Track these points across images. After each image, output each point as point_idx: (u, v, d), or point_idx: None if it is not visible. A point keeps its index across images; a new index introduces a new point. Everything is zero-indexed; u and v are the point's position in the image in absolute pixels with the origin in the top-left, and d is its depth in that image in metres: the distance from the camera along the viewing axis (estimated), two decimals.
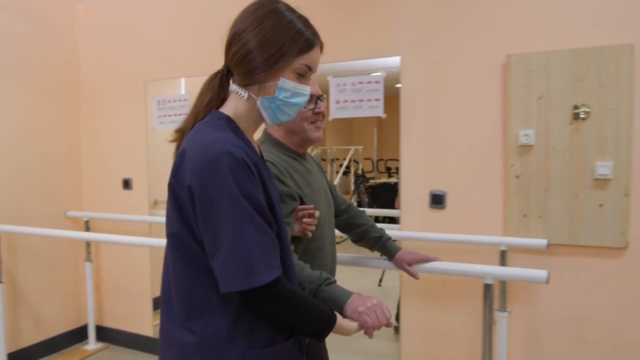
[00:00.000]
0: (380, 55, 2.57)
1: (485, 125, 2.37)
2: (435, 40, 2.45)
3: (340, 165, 6.50)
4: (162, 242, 3.03)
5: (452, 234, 2.42)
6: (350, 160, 6.58)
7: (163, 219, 3.61)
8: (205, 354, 0.98)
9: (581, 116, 2.18)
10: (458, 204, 2.44)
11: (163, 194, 3.83)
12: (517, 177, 2.30)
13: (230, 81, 1.08)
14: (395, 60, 2.54)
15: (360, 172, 6.32)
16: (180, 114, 3.21)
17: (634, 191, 2.13)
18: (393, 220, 2.72)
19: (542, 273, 1.66)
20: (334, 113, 2.69)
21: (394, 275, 2.62)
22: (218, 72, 1.09)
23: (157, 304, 3.54)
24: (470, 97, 2.39)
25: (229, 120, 1.03)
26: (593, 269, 2.22)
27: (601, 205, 2.17)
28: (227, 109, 1.07)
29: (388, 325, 1.15)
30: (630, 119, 2.11)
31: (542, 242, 2.20)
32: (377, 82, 2.57)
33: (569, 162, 2.21)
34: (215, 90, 1.07)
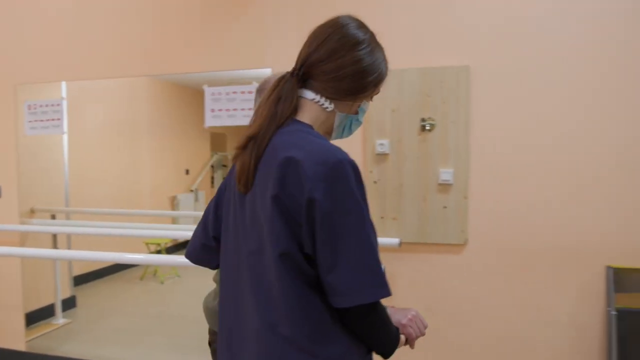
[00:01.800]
0: (251, 67, 2.69)
1: None
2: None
3: None
4: (36, 251, 2.93)
5: None
6: None
7: (39, 228, 3.42)
8: None
9: (427, 128, 2.44)
10: None
11: (42, 202, 3.64)
12: (375, 182, 2.52)
13: (305, 88, 1.03)
14: (268, 72, 2.68)
15: None
16: (54, 119, 3.11)
17: (471, 194, 2.43)
18: None
19: None
20: (209, 121, 2.76)
21: None
22: (286, 77, 1.03)
23: (30, 318, 3.38)
24: None
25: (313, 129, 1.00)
26: (439, 264, 2.49)
27: (445, 207, 2.44)
28: (306, 117, 1.02)
29: (423, 334, 1.14)
30: (467, 130, 2.40)
31: (395, 240, 2.43)
32: (250, 92, 2.68)
33: (418, 168, 2.46)
34: (295, 96, 1.01)
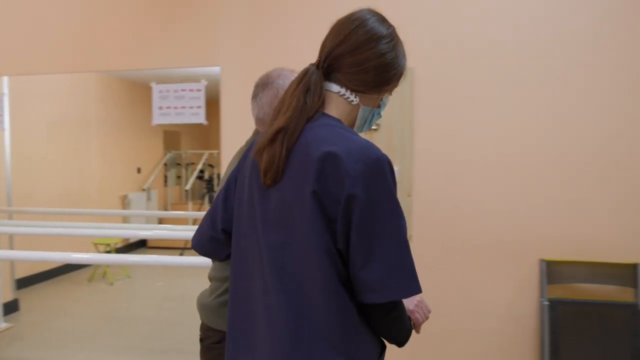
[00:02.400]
0: (201, 64, 2.69)
1: None
2: (253, 54, 2.64)
3: (197, 170, 6.51)
4: None
5: None
6: (204, 165, 6.62)
7: None
8: None
9: (373, 127, 2.51)
10: None
11: None
12: None
13: (329, 81, 1.01)
14: (217, 70, 2.68)
15: (214, 176, 6.39)
16: None
17: (415, 192, 2.52)
18: None
19: None
20: (157, 119, 2.74)
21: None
22: (311, 69, 1.00)
23: None
24: None
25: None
26: None
27: None
28: (333, 111, 1.01)
29: (427, 318, 1.15)
30: (411, 130, 2.48)
31: None
32: (198, 90, 2.67)
33: None
34: (322, 89, 0.99)
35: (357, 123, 1.05)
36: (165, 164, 6.08)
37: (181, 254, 5.13)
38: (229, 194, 1.12)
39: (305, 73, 1.00)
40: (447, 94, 2.48)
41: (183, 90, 2.69)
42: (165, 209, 6.21)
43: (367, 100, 1.03)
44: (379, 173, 0.89)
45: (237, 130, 2.66)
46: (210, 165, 6.43)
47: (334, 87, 1.01)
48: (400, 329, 0.98)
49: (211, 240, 1.14)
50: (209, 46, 2.68)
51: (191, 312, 3.50)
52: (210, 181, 4.92)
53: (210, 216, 1.15)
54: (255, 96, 1.41)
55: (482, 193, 2.47)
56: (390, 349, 2.55)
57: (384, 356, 1.02)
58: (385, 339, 1.00)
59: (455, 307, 2.53)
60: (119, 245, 5.06)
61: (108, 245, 4.81)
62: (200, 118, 2.69)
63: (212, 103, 2.75)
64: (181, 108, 2.69)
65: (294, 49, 2.59)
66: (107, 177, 5.36)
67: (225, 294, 1.33)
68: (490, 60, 2.44)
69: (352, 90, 1.01)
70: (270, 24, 2.61)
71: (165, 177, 6.06)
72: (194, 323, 3.17)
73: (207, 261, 2.25)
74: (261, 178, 0.98)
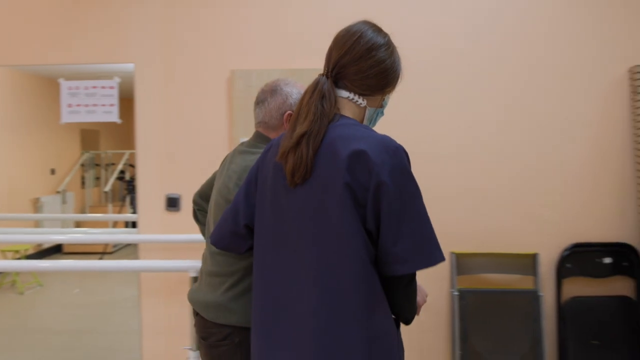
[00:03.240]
0: (114, 60, 2.59)
1: (214, 132, 2.58)
2: (169, 51, 2.58)
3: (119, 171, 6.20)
4: None
5: (187, 234, 2.57)
6: (125, 165, 6.32)
7: None
8: (389, 335, 1.04)
9: None
10: (192, 205, 2.59)
11: None
12: None
13: (338, 88, 1.15)
14: (131, 67, 2.59)
15: (134, 177, 6.12)
16: None
17: None
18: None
19: None
20: (66, 117, 2.61)
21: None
22: (322, 79, 1.13)
23: None
24: (201, 106, 2.58)
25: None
26: None
27: None
28: (347, 113, 1.15)
29: (425, 302, 1.26)
30: None
31: None
32: (111, 87, 2.58)
33: None
34: (335, 95, 1.13)
35: (365, 122, 1.19)
36: (83, 165, 5.78)
37: (101, 259, 4.91)
38: (249, 191, 1.23)
39: (317, 83, 1.13)
40: None
41: (94, 87, 2.58)
42: (83, 212, 5.91)
43: (372, 101, 1.18)
44: (399, 160, 1.04)
45: (154, 129, 2.59)
46: (132, 166, 6.18)
47: (344, 93, 1.15)
48: (413, 304, 1.11)
49: (232, 235, 1.25)
50: (122, 42, 2.59)
51: (109, 319, 3.39)
52: (131, 182, 4.75)
53: (231, 212, 1.25)
54: (262, 101, 1.49)
55: None
56: None
57: (400, 335, 1.14)
58: (399, 314, 1.11)
59: None
60: (31, 252, 4.76)
61: (17, 252, 4.51)
62: (114, 116, 2.59)
63: (130, 101, 2.66)
64: (92, 106, 2.58)
65: (211, 45, 2.56)
66: (16, 179, 5.03)
67: (233, 288, 1.38)
68: (410, 64, 2.54)
69: (359, 94, 1.15)
70: (185, 19, 2.56)
71: (83, 178, 5.77)
72: (110, 330, 3.06)
73: (130, 265, 2.18)
74: (288, 178, 1.09)
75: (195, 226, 2.58)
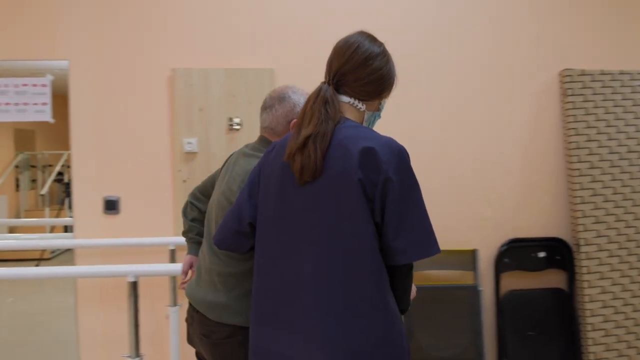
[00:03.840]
0: (46, 57, 2.47)
1: (154, 132, 2.51)
2: (106, 48, 2.49)
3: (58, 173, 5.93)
4: None
5: (126, 237, 2.49)
6: (63, 167, 6.06)
7: None
8: (394, 320, 1.12)
9: (235, 127, 2.51)
10: (132, 208, 2.51)
11: None
12: (184, 181, 2.50)
13: (340, 94, 1.24)
14: (65, 64, 2.48)
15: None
16: None
17: None
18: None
19: (179, 266, 1.86)
20: None
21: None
22: (324, 87, 1.22)
23: None
24: (141, 105, 2.50)
25: None
26: None
27: None
28: (349, 117, 1.24)
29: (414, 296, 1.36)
30: None
31: None
32: (44, 85, 2.45)
33: None
34: (337, 100, 1.22)
35: (364, 124, 1.29)
36: (17, 166, 5.48)
37: (37, 265, 4.67)
38: (252, 192, 1.29)
39: (320, 89, 1.23)
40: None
41: (25, 85, 2.45)
42: (18, 217, 5.60)
43: (370, 105, 1.28)
44: (402, 159, 1.14)
45: (90, 129, 2.49)
46: (70, 167, 5.90)
47: (345, 98, 1.25)
48: (409, 295, 1.20)
49: (236, 234, 1.30)
50: (56, 38, 2.47)
51: (45, 329, 3.23)
52: (69, 184, 4.54)
53: (234, 213, 1.30)
54: (270, 107, 1.52)
55: None
56: None
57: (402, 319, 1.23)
58: (401, 303, 1.19)
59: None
60: None
61: None
62: (46, 116, 2.47)
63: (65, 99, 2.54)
64: (23, 104, 2.45)
65: (151, 43, 2.49)
66: None
67: (237, 288, 1.41)
68: None
69: (359, 99, 1.25)
70: (124, 15, 2.48)
71: (17, 180, 5.47)
72: (47, 341, 2.91)
73: (65, 271, 2.06)
74: (297, 177, 1.17)
75: (136, 229, 2.51)
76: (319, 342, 1.12)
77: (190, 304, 1.52)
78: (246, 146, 1.54)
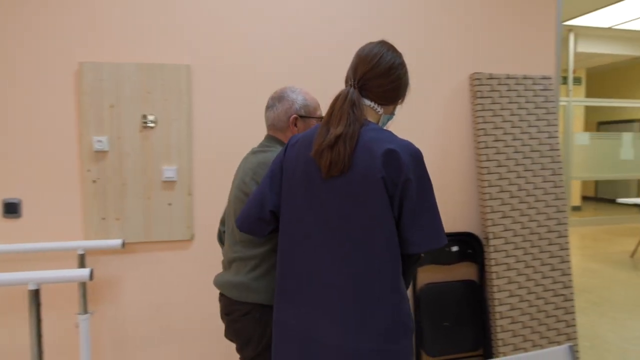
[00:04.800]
0: None
1: (59, 130, 2.35)
2: (5, 38, 2.30)
3: None
4: None
5: (30, 242, 2.32)
6: None
7: None
8: (406, 301, 1.30)
9: (149, 125, 2.41)
10: (35, 211, 2.35)
11: None
12: (94, 181, 2.37)
13: (363, 97, 1.38)
14: None
15: None
16: None
17: (196, 190, 2.49)
18: None
19: (85, 272, 1.75)
20: None
21: None
22: (350, 90, 1.35)
23: None
24: (45, 101, 2.34)
25: None
26: (167, 261, 2.49)
27: (170, 204, 2.45)
28: (370, 118, 1.39)
29: None
30: (189, 128, 2.45)
31: (118, 242, 2.33)
32: None
33: (141, 166, 2.41)
34: (362, 103, 1.36)
35: (379, 125, 1.42)
36: None
37: None
38: (274, 182, 1.44)
39: (348, 92, 1.36)
40: (226, 92, 2.51)
41: None
42: None
43: (386, 109, 1.43)
44: (420, 162, 1.31)
45: None
46: None
47: (367, 102, 1.40)
48: (411, 278, 1.41)
49: (257, 220, 1.45)
50: None
51: None
52: None
53: (256, 201, 1.46)
54: (271, 106, 1.70)
55: None
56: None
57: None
58: (408, 283, 1.41)
59: None
60: None
61: None
62: None
63: None
64: None
65: (56, 35, 2.33)
66: None
67: (256, 270, 1.57)
68: (268, 57, 2.54)
69: (378, 104, 1.40)
70: (27, 4, 2.30)
71: None
72: None
73: None
74: (323, 172, 1.31)
75: (40, 233, 2.34)
76: (335, 319, 1.28)
77: (220, 294, 1.69)
78: (254, 148, 1.73)
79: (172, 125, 2.43)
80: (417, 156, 1.30)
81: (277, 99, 1.69)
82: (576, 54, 8.78)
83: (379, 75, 1.37)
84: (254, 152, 1.68)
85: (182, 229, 2.46)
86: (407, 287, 1.38)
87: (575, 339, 2.87)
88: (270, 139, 1.69)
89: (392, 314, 1.27)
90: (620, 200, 6.32)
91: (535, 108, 2.91)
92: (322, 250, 1.32)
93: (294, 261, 1.37)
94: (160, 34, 2.42)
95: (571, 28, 8.13)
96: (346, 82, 1.41)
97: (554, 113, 2.93)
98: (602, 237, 7.67)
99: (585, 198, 12.44)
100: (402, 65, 1.42)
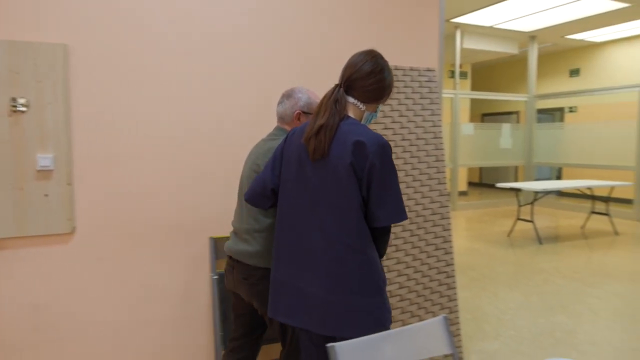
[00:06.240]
0: None
1: None
2: None
3: None
4: None
5: None
6: None
7: None
8: (375, 263, 1.62)
9: (20, 109, 2.20)
10: None
11: None
12: None
13: (348, 95, 1.68)
14: None
15: None
16: None
17: (76, 180, 2.33)
18: None
19: None
20: None
21: None
22: (337, 88, 1.66)
23: None
24: None
25: None
26: (44, 257, 2.31)
27: (46, 195, 2.27)
28: (352, 114, 1.68)
29: None
30: (67, 113, 2.28)
31: None
32: None
33: (11, 154, 2.20)
34: (345, 100, 1.66)
35: (362, 121, 1.71)
36: None
37: None
38: (275, 165, 1.76)
39: (334, 90, 1.66)
40: (109, 75, 2.36)
41: None
42: None
43: (369, 107, 1.71)
44: (385, 150, 1.58)
45: None
46: None
47: (351, 99, 1.68)
48: (386, 247, 1.67)
49: (260, 196, 1.79)
50: None
51: None
52: None
53: (260, 180, 1.79)
54: (281, 102, 2.05)
55: (150, 177, 2.47)
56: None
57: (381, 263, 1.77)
58: (380, 251, 1.66)
59: (132, 298, 2.47)
60: None
61: None
62: None
63: None
64: None
65: None
66: None
67: (266, 240, 1.93)
68: (157, 42, 2.43)
69: (362, 102, 1.68)
70: None
71: None
72: None
73: None
74: (310, 155, 1.62)
75: None
76: (318, 276, 1.61)
77: (229, 257, 2.05)
78: (264, 137, 2.06)
79: (47, 110, 2.24)
80: (383, 147, 1.57)
81: (286, 96, 2.04)
82: (462, 50, 9.44)
83: (362, 78, 1.65)
84: (264, 140, 2.03)
85: (61, 222, 2.29)
86: (382, 253, 1.66)
87: (456, 312, 3.11)
88: (279, 129, 2.05)
89: (360, 273, 1.59)
90: (499, 185, 6.93)
91: (421, 98, 3.08)
92: (307, 219, 1.64)
93: (287, 228, 1.69)
94: (33, 10, 2.21)
95: (458, 25, 8.72)
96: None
97: (438, 103, 3.13)
98: (485, 219, 8.39)
99: (471, 184, 13.50)
100: (382, 70, 1.67)
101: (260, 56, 2.67)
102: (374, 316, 1.61)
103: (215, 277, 2.58)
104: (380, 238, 1.64)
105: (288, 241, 1.69)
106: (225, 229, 2.64)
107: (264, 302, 1.94)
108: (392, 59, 3.06)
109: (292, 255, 1.67)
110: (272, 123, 2.72)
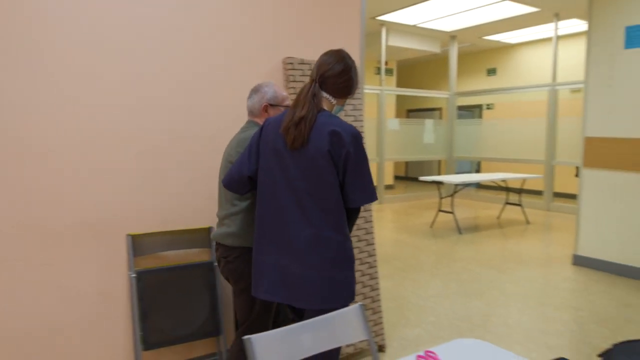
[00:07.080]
0: None
1: None
2: None
3: None
4: None
5: None
6: None
7: None
8: (348, 241, 1.84)
9: None
10: None
11: None
12: None
13: (322, 90, 1.88)
14: None
15: None
16: None
17: None
18: None
19: None
20: None
21: None
22: (312, 84, 1.85)
23: None
24: None
25: None
26: None
27: None
28: (326, 107, 1.88)
29: None
30: None
31: None
32: None
33: None
34: (321, 95, 1.86)
35: (333, 113, 1.89)
36: None
37: None
38: (251, 153, 1.93)
39: (311, 85, 1.84)
40: (20, 69, 2.20)
41: None
42: None
43: (338, 101, 1.91)
44: (358, 139, 1.79)
45: None
46: None
47: (324, 94, 1.87)
48: (354, 225, 1.92)
49: (237, 182, 1.96)
50: None
51: None
52: None
53: (237, 167, 1.96)
54: (250, 97, 2.24)
55: (62, 174, 2.33)
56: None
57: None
58: (351, 227, 1.91)
59: (44, 301, 2.33)
60: None
61: None
62: None
63: None
64: None
65: None
66: None
67: (242, 222, 2.11)
68: (47, 25, 2.29)
69: (333, 96, 1.88)
70: None
71: None
72: None
73: None
74: (289, 145, 1.79)
75: None
76: (302, 253, 1.80)
77: (216, 243, 2.20)
78: (246, 126, 2.24)
79: None
80: (355, 136, 1.79)
81: (254, 91, 2.23)
82: (388, 47, 9.71)
83: (334, 76, 1.85)
84: (237, 133, 2.19)
85: None
86: (350, 232, 1.87)
87: (378, 301, 3.21)
88: (249, 122, 2.24)
89: (337, 249, 1.80)
90: (422, 178, 7.22)
91: None
92: (287, 203, 1.82)
93: (267, 211, 1.87)
94: None
95: (383, 23, 8.95)
96: (310, 77, 1.86)
97: (360, 99, 3.20)
98: (410, 212, 8.71)
99: (397, 177, 13.95)
100: (354, 69, 1.90)
101: (195, 48, 2.60)
102: (351, 288, 1.85)
103: (134, 275, 2.49)
104: (352, 217, 1.88)
105: (269, 224, 1.86)
106: (144, 226, 2.56)
107: (237, 280, 2.11)
108: (314, 54, 3.09)
109: (273, 236, 1.85)
110: (185, 110, 2.67)
